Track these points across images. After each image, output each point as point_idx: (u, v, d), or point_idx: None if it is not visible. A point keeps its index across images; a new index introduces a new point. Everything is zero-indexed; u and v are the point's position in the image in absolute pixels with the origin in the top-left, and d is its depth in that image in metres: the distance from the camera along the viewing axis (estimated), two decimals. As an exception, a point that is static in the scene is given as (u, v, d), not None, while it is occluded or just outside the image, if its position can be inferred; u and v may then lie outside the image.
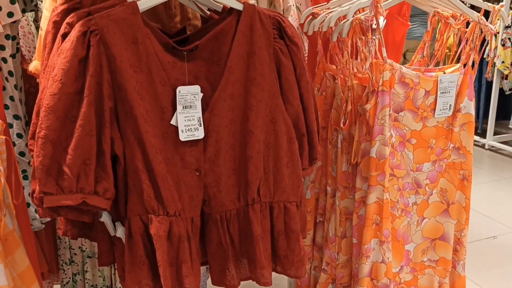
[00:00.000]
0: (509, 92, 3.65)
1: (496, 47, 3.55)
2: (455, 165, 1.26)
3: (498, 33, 3.50)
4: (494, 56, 3.56)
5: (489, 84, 3.69)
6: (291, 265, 1.04)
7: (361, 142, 1.19)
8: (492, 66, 3.65)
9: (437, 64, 1.36)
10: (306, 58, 1.47)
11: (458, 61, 1.27)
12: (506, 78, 3.60)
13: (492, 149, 3.72)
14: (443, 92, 1.19)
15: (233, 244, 1.01)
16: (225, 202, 1.00)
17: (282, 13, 1.38)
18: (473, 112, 1.23)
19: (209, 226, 1.00)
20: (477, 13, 1.24)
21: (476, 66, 1.25)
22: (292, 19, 1.41)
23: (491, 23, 1.21)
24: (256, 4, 1.07)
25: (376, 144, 1.16)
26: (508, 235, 2.45)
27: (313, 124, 1.06)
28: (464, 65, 1.25)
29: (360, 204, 1.22)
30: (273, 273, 1.06)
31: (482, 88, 3.79)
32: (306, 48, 1.48)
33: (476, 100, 3.84)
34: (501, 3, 1.21)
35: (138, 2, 0.89)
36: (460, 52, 1.26)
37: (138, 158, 0.90)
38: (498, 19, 1.23)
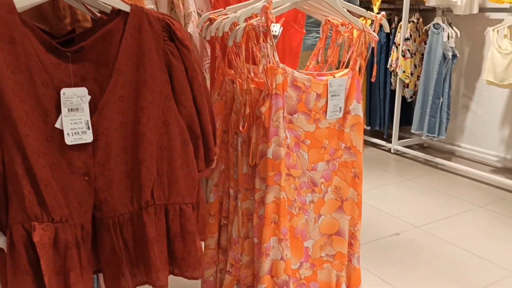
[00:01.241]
0: (411, 99, 3.93)
1: (397, 58, 3.82)
2: (347, 164, 1.34)
3: (399, 44, 3.78)
4: (396, 66, 3.84)
5: (393, 92, 3.97)
6: (188, 267, 1.05)
7: (259, 144, 1.23)
8: (394, 75, 3.93)
9: (331, 70, 1.44)
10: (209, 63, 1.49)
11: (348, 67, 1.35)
12: (407, 87, 3.88)
13: (397, 153, 3.98)
14: (333, 95, 1.26)
15: (127, 249, 1.00)
16: (118, 207, 0.98)
17: (183, 18, 1.40)
18: (361, 113, 1.31)
19: (101, 232, 0.98)
20: (362, 22, 1.33)
21: (363, 71, 1.34)
22: (193, 25, 1.43)
23: (374, 31, 1.31)
24: (153, 8, 1.07)
25: (272, 145, 1.20)
26: (409, 231, 2.62)
27: (208, 126, 1.08)
28: (359, 70, 1.34)
29: (259, 204, 1.25)
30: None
31: (387, 96, 4.05)
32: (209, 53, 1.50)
33: (382, 108, 4.10)
34: (382, 13, 1.31)
35: (14, 1, 0.86)
36: (349, 58, 1.34)
37: (18, 163, 0.86)
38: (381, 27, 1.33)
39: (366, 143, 4.27)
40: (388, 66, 3.91)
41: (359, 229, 1.35)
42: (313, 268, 1.34)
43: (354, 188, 1.35)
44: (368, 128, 4.22)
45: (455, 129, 3.98)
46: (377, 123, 4.13)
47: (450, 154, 3.95)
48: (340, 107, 1.29)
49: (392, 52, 3.84)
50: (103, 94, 0.95)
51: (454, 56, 3.48)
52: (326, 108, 1.27)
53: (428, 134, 3.61)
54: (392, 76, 3.97)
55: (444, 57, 3.46)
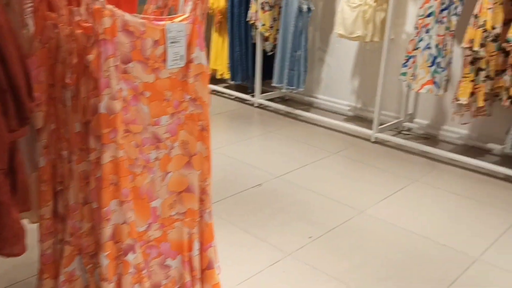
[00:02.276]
0: (271, 53, 3.99)
1: (257, 11, 3.81)
2: (193, 116, 1.26)
3: (258, -3, 3.76)
4: (256, 19, 3.83)
5: (255, 46, 3.97)
6: (4, 243, 0.90)
7: (90, 97, 1.09)
8: (255, 28, 3.93)
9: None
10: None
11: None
12: (268, 40, 3.92)
13: (261, 106, 4.06)
14: (172, 42, 1.16)
15: None
16: None
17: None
18: (205, 62, 1.24)
19: None
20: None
21: (205, 17, 1.25)
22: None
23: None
24: None
25: (104, 99, 1.07)
26: (271, 181, 2.70)
27: (17, 77, 0.91)
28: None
29: (96, 166, 1.13)
30: None
31: (249, 50, 4.06)
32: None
33: (244, 62, 4.10)
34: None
35: None
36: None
37: None
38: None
39: (230, 98, 4.27)
40: (248, 19, 3.88)
41: (210, 183, 1.31)
42: (163, 228, 1.27)
43: (202, 141, 1.29)
44: (232, 82, 4.22)
45: (312, 82, 4.16)
46: (240, 77, 4.14)
47: (308, 106, 4.14)
48: (182, 55, 1.20)
49: (251, 5, 3.82)
50: None
51: (309, 9, 3.57)
52: (165, 56, 1.16)
53: (288, 87, 3.71)
54: (253, 29, 3.97)
55: (300, 10, 3.54)
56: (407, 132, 3.55)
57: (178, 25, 1.16)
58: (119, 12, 1.07)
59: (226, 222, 2.26)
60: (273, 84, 3.84)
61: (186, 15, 1.22)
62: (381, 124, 3.37)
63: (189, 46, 1.21)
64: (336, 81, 4.01)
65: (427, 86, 2.90)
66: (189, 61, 1.22)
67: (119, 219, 1.13)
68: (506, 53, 2.77)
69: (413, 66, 2.96)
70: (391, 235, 2.18)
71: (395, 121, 3.54)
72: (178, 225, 1.29)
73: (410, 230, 2.23)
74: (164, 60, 1.16)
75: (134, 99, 1.14)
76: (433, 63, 2.85)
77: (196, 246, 1.29)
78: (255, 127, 3.62)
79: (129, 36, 1.09)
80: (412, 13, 3.40)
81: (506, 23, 2.77)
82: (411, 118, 3.59)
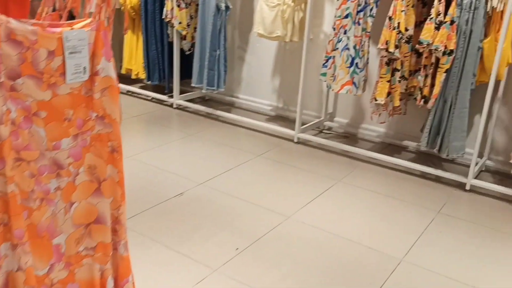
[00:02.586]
0: (189, 52, 3.83)
1: (172, 8, 3.63)
2: (101, 137, 1.10)
3: (173, -6, 3.57)
4: (172, 17, 3.65)
5: (171, 45, 3.79)
6: None
7: (-32, 122, 0.89)
8: (171, 27, 3.75)
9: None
10: None
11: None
12: (185, 39, 3.75)
13: (180, 107, 3.89)
14: (72, 52, 0.99)
15: None
16: None
17: None
18: (113, 74, 1.08)
19: None
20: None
21: (111, 22, 1.09)
22: None
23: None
24: None
25: (-13, 123, 0.88)
26: (193, 189, 2.56)
27: None
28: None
29: (-19, 203, 0.93)
30: None
31: (165, 49, 3.86)
32: None
33: (161, 61, 3.90)
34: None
35: None
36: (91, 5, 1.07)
37: None
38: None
39: (147, 99, 4.05)
40: (163, 17, 3.69)
41: (124, 211, 1.15)
42: (69, 268, 1.09)
43: (113, 164, 1.13)
44: (149, 82, 3.99)
45: (233, 81, 4.07)
46: (156, 77, 3.93)
47: (230, 106, 4.04)
48: (85, 67, 1.03)
49: (166, 2, 3.62)
50: None
51: (227, 7, 3.46)
52: (64, 69, 0.99)
53: (208, 87, 3.58)
54: (169, 27, 3.78)
55: (218, 8, 3.41)
56: (328, 131, 3.58)
57: (79, 33, 0.99)
58: (2, 18, 0.88)
59: (146, 238, 2.09)
60: (193, 85, 3.68)
61: (89, 21, 1.05)
62: (303, 124, 3.35)
63: (93, 57, 1.04)
64: (257, 81, 3.94)
65: (346, 87, 2.92)
66: (93, 74, 1.05)
67: (12, 266, 0.95)
68: (418, 54, 2.87)
69: (333, 66, 2.96)
70: (319, 241, 2.15)
71: (316, 120, 3.55)
72: (88, 261, 1.12)
73: (337, 234, 2.21)
74: (63, 74, 0.99)
75: (26, 121, 0.96)
76: (351, 64, 2.88)
77: (110, 283, 1.13)
78: (175, 130, 3.45)
79: (17, 47, 0.91)
80: (329, 13, 3.42)
81: (417, 25, 2.87)
82: (331, 117, 3.63)
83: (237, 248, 2.06)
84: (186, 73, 3.92)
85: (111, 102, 1.09)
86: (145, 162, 2.85)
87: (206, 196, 2.50)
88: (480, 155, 2.81)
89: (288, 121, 3.72)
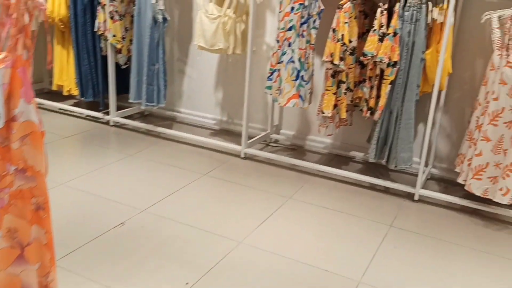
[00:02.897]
0: (125, 66, 3.61)
1: (105, 20, 3.40)
2: (23, 193, 0.92)
3: (105, 5, 3.35)
4: (105, 29, 3.42)
5: (105, 58, 3.55)
6: None
7: None
8: (104, 40, 3.52)
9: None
10: None
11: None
12: (120, 52, 3.53)
13: (117, 125, 3.66)
14: (-20, 97, 0.81)
15: None
16: None
17: None
18: (35, 118, 0.90)
19: None
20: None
21: (31, 55, 0.91)
22: None
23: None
24: None
25: None
26: (136, 217, 2.38)
27: None
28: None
29: None
30: None
31: (99, 63, 3.62)
32: None
33: (94, 77, 3.65)
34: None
35: None
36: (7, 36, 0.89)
37: None
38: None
39: (81, 117, 3.78)
40: (95, 30, 3.45)
41: (54, 278, 0.98)
42: None
43: (38, 224, 0.95)
44: (82, 99, 3.73)
45: (174, 95, 3.89)
46: (91, 94, 3.68)
47: (171, 121, 3.87)
48: (-2, 114, 0.85)
49: (98, 14, 3.39)
50: None
51: (164, 19, 3.29)
52: (-30, 118, 0.81)
53: (147, 103, 3.38)
54: (102, 40, 3.55)
55: (155, 20, 3.23)
56: (275, 144, 3.50)
57: (-12, 73, 0.82)
58: None
59: (84, 279, 1.89)
60: (130, 101, 3.47)
61: (2, 56, 0.87)
62: (249, 138, 3.25)
63: (9, 99, 0.87)
64: (199, 94, 3.80)
65: (293, 100, 2.85)
66: (10, 120, 0.87)
67: None
68: (362, 65, 2.85)
69: (278, 80, 2.88)
70: (275, 267, 2.04)
71: (263, 133, 3.46)
72: None
73: (292, 258, 2.12)
74: (-31, 124, 0.81)
75: None
76: (297, 77, 2.81)
77: None
78: (112, 151, 3.22)
79: None
80: (271, 24, 3.34)
81: (360, 37, 2.85)
82: (277, 129, 3.55)
83: (187, 283, 1.91)
84: (122, 88, 3.69)
85: (34, 151, 0.91)
86: (80, 189, 2.62)
87: (150, 225, 2.32)
88: (425, 164, 2.84)
89: (233, 135, 3.60)
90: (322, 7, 2.76)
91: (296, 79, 2.81)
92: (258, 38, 3.41)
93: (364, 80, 2.91)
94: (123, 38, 3.48)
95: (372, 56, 2.60)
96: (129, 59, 3.54)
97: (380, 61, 2.58)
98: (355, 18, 2.74)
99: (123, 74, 3.65)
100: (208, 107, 3.79)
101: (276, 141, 3.54)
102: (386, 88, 2.64)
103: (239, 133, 3.27)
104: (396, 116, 2.67)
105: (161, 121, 3.84)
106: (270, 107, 3.47)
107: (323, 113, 2.84)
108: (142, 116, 3.91)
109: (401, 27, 2.55)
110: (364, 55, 2.62)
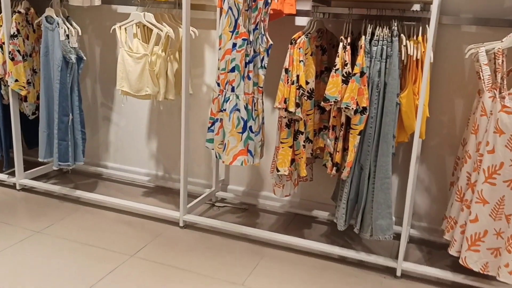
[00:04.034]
0: (34, 116, 2.94)
1: (5, 62, 2.74)
2: None
3: (3, 43, 2.70)
4: (5, 73, 2.76)
5: (8, 108, 2.87)
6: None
7: None
8: (4, 85, 2.85)
9: None
10: None
11: None
12: (26, 100, 2.87)
13: (25, 188, 2.95)
14: None
15: None
16: None
17: None
18: None
19: None
20: None
21: None
22: None
23: None
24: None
25: None
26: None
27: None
28: None
29: None
30: None
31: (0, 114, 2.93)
32: None
33: (-8, 131, 2.95)
34: None
35: None
36: None
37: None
38: None
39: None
40: (-8, 73, 2.78)
41: None
42: None
43: None
44: (-19, 158, 3.00)
45: (99, 146, 3.24)
46: (-10, 152, 2.96)
47: (96, 178, 3.20)
48: None
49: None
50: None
51: (79, 59, 2.67)
52: None
53: (60, 163, 2.72)
54: (2, 86, 2.87)
55: (66, 61, 2.61)
56: (222, 204, 2.91)
57: None
58: None
59: None
60: (40, 160, 2.80)
61: None
62: (190, 197, 2.65)
63: None
64: (129, 145, 3.17)
65: (240, 158, 2.28)
66: None
67: None
68: (322, 110, 2.35)
69: (221, 132, 2.32)
70: None
71: (207, 191, 2.86)
72: None
73: None
74: None
75: None
76: (244, 128, 2.25)
77: None
78: (17, 226, 2.51)
79: None
80: (211, 61, 2.81)
81: (318, 76, 2.36)
82: (224, 185, 2.97)
83: None
84: (32, 143, 3.01)
85: None
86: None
87: None
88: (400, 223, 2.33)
89: (171, 194, 2.98)
90: (271, 42, 2.25)
91: (243, 131, 2.25)
92: (196, 78, 2.85)
93: (326, 128, 2.41)
94: (29, 83, 2.82)
95: (336, 101, 2.10)
96: (38, 108, 2.87)
97: (346, 108, 2.08)
98: (311, 54, 2.25)
99: (33, 126, 2.97)
100: (140, 161, 3.16)
101: (222, 200, 2.95)
102: (354, 140, 2.13)
103: (178, 191, 2.66)
104: (368, 173, 2.17)
105: (84, 179, 3.16)
106: (214, 159, 2.90)
107: (278, 171, 2.30)
108: (61, 174, 3.22)
109: (369, 66, 2.08)
110: (326, 100, 2.11)
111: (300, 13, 2.45)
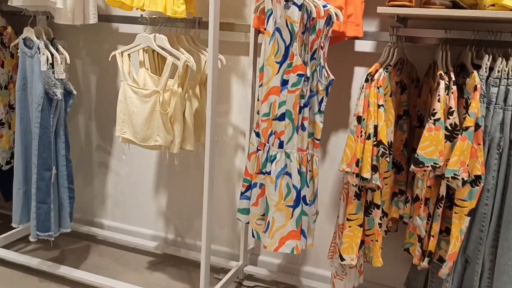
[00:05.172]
0: (8, 166, 2.28)
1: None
2: None
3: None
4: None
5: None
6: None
7: None
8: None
9: None
10: None
11: None
12: (-1, 145, 2.21)
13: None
14: None
15: None
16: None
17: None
18: None
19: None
20: None
21: None
22: None
23: None
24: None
25: None
26: None
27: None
28: None
29: None
30: None
31: (-36, 162, 2.26)
32: None
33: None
34: None
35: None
36: None
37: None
38: None
39: None
40: None
41: None
42: None
43: None
44: None
45: (93, 199, 2.57)
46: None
47: (89, 242, 2.51)
48: None
49: None
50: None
51: (68, 93, 2.02)
52: None
53: (39, 233, 2.04)
54: (-33, 127, 2.22)
55: (49, 97, 1.95)
56: (252, 284, 2.22)
57: None
58: None
59: None
60: (14, 225, 2.13)
61: None
62: (211, 271, 1.96)
63: None
64: (131, 199, 2.50)
65: (290, 243, 1.60)
66: None
67: None
68: (398, 168, 1.69)
69: (261, 202, 1.64)
70: None
71: (233, 266, 2.18)
72: None
73: None
74: None
75: None
76: (297, 200, 1.58)
77: None
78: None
79: None
80: (239, 94, 2.16)
81: (395, 122, 1.70)
82: (253, 255, 2.29)
83: None
84: (9, 194, 2.34)
85: None
86: None
87: None
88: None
89: (184, 266, 2.30)
90: (332, 77, 1.59)
91: (296, 205, 1.57)
92: (219, 117, 2.20)
93: (402, 192, 1.74)
94: (2, 124, 2.17)
95: (435, 166, 1.43)
96: (13, 156, 2.21)
97: (454, 177, 1.41)
98: (390, 95, 1.59)
99: (6, 178, 2.31)
100: (146, 220, 2.49)
101: (252, 277, 2.26)
102: (461, 223, 1.46)
103: (193, 263, 1.96)
104: (481, 271, 1.48)
105: (73, 242, 2.48)
106: (240, 222, 2.22)
107: (342, 259, 1.62)
108: (40, 241, 2.53)
109: (484, 115, 1.42)
110: (418, 163, 1.45)
111: (366, 35, 1.81)
